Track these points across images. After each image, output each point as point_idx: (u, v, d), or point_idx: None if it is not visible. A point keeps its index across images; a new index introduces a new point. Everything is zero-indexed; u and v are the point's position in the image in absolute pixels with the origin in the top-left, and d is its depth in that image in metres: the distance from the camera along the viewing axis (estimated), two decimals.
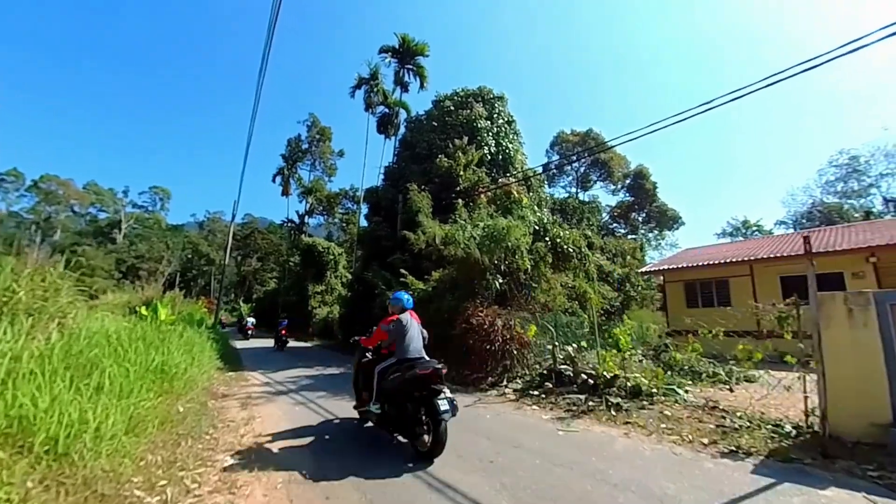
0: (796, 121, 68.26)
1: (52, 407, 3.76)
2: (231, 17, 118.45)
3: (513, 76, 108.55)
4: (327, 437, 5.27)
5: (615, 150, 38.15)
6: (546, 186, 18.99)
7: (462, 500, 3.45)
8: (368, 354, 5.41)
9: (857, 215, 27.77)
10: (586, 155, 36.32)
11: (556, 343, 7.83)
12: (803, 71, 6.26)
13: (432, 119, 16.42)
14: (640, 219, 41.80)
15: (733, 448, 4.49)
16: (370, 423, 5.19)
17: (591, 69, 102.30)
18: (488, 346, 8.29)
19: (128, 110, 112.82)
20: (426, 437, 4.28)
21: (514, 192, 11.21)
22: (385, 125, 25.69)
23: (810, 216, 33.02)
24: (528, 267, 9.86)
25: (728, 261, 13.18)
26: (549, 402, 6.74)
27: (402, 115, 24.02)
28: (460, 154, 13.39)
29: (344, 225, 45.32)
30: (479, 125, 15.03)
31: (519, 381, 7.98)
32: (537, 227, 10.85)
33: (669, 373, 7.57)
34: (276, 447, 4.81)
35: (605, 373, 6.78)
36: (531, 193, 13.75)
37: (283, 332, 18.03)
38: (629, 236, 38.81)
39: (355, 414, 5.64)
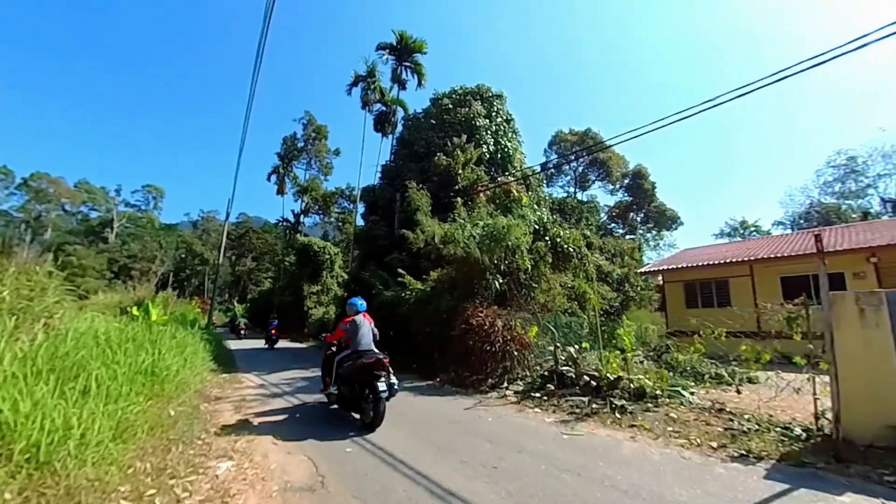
0: (794, 121, 68.80)
1: (34, 412, 3.56)
2: (226, 13, 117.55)
3: (510, 75, 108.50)
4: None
5: (614, 149, 38.20)
6: (545, 186, 18.86)
7: None
8: (333, 349, 6.42)
9: (854, 216, 27.89)
10: (585, 154, 36.31)
11: (558, 344, 7.69)
12: (801, 70, 6.27)
13: (430, 117, 16.25)
14: (638, 219, 41.82)
15: (743, 452, 4.38)
16: (336, 406, 6.13)
17: (590, 68, 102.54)
18: (488, 347, 8.15)
19: (121, 108, 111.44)
20: (370, 412, 5.43)
21: (514, 191, 11.08)
22: (382, 123, 25.48)
23: (808, 217, 33.15)
24: (529, 267, 9.73)
25: (728, 261, 13.13)
26: (552, 405, 6.61)
27: (400, 113, 23.83)
28: (459, 152, 13.23)
29: (340, 224, 45.04)
30: (477, 123, 14.89)
31: (520, 383, 7.84)
32: (537, 227, 10.73)
33: (672, 374, 7.47)
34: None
35: (608, 374, 6.66)
36: (530, 193, 13.63)
37: (274, 331, 19.03)
38: (627, 236, 38.83)
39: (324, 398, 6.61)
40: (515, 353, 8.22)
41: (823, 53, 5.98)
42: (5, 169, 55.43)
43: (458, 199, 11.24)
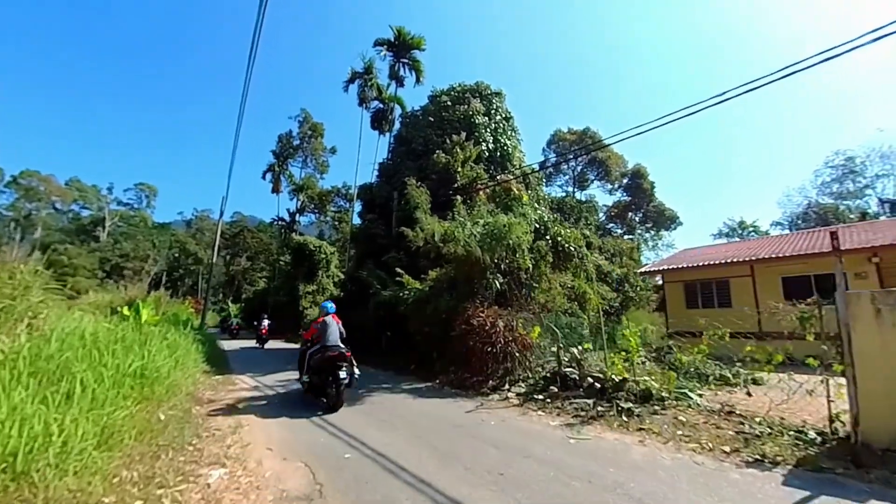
0: (793, 122, 69.21)
1: (11, 418, 3.34)
2: (220, 8, 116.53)
3: (509, 74, 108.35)
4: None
5: (613, 149, 38.12)
6: (543, 185, 18.73)
7: None
8: (308, 344, 7.33)
9: (852, 216, 27.99)
10: (584, 153, 36.21)
11: (561, 345, 7.52)
12: (800, 70, 6.25)
13: (428, 114, 16.05)
14: (637, 219, 41.74)
15: (758, 457, 4.23)
16: (310, 394, 7.07)
17: (589, 67, 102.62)
18: (490, 349, 7.97)
19: (114, 104, 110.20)
20: (333, 396, 6.44)
21: (515, 189, 10.91)
22: (379, 121, 25.21)
23: (806, 217, 33.29)
24: (530, 266, 9.56)
25: (729, 261, 13.04)
26: (556, 407, 6.44)
27: (397, 110, 23.61)
28: (458, 150, 13.04)
29: (336, 223, 44.65)
30: (476, 121, 14.70)
31: (522, 385, 7.66)
32: (538, 225, 10.57)
33: (676, 375, 7.33)
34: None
35: (613, 376, 6.50)
36: (529, 191, 13.46)
37: (264, 331, 19.58)
38: (626, 236, 38.76)
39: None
40: (517, 355, 8.04)
41: (821, 53, 5.99)
42: None
43: (458, 197, 11.05)
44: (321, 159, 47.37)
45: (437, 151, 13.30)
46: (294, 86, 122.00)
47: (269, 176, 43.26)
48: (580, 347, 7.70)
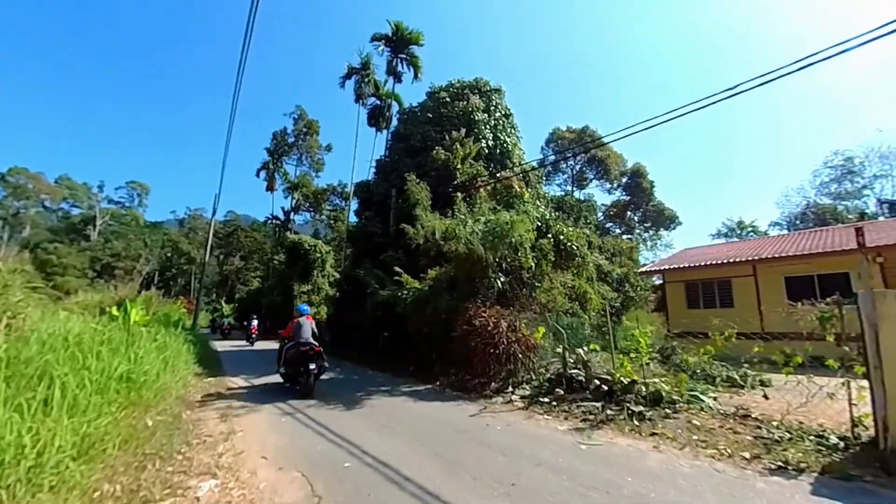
0: (792, 122, 69.50)
1: None
2: (216, 6, 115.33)
3: (507, 73, 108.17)
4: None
5: (612, 148, 38.00)
6: (543, 183, 18.53)
7: None
8: (286, 341, 8.24)
9: (851, 217, 28.02)
10: (583, 151, 36.04)
11: (567, 346, 7.30)
12: (798, 69, 6.29)
13: (427, 111, 15.76)
14: (636, 218, 41.62)
15: (781, 464, 4.02)
16: (288, 384, 8.12)
17: (588, 66, 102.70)
18: (492, 350, 7.72)
19: (105, 101, 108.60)
20: (305, 384, 7.58)
21: (516, 187, 10.68)
22: (376, 118, 24.86)
23: (804, 217, 33.35)
24: (532, 265, 9.34)
25: (731, 261, 12.92)
26: (562, 411, 6.21)
27: (395, 107, 23.24)
28: (458, 146, 12.78)
29: (332, 222, 44.13)
30: (475, 117, 14.44)
31: (526, 387, 7.42)
32: (540, 224, 10.34)
33: (669, 376, 7.14)
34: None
35: (621, 378, 6.29)
36: (530, 189, 13.26)
37: (254, 330, 20.37)
38: (624, 236, 38.63)
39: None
40: (520, 356, 7.81)
41: (820, 52, 6.01)
42: None
43: (458, 194, 10.80)
44: (316, 157, 46.91)
45: (437, 148, 13.03)
46: (289, 83, 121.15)
47: (263, 174, 42.78)
48: (586, 348, 7.48)
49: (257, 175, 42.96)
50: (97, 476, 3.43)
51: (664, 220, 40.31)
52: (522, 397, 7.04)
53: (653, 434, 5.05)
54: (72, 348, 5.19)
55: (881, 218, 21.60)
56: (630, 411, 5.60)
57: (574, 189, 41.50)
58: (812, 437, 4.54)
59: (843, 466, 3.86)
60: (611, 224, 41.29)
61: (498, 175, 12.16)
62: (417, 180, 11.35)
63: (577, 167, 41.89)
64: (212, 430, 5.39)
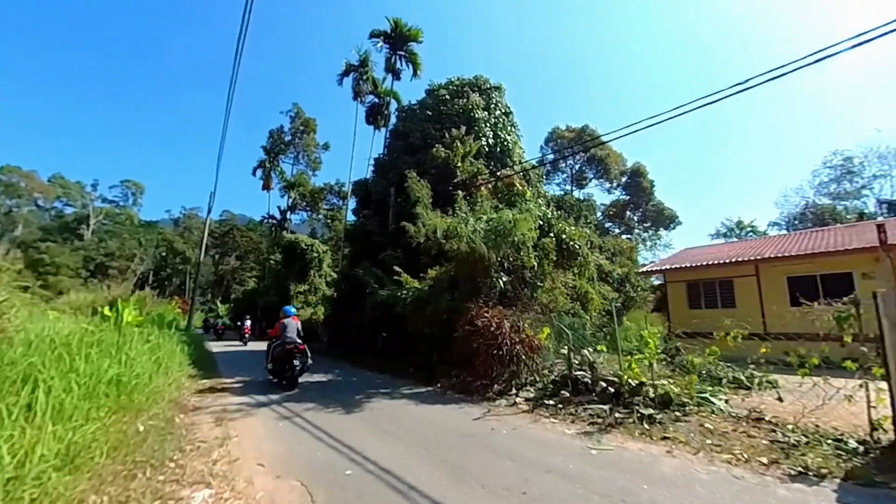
0: (790, 121, 69.67)
1: None
2: (211, 3, 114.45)
3: (506, 71, 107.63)
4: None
5: (612, 147, 37.91)
6: (544, 182, 18.39)
7: None
8: (273, 340, 8.90)
9: (850, 217, 28.03)
10: (582, 150, 35.90)
11: (572, 347, 7.13)
12: (796, 69, 6.30)
13: (426, 108, 15.55)
14: (635, 218, 41.48)
15: (800, 469, 3.87)
16: (275, 379, 8.75)
17: (588, 65, 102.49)
18: (496, 351, 7.54)
19: (100, 99, 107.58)
20: (289, 379, 8.25)
21: (518, 185, 10.50)
22: (375, 115, 24.59)
23: (803, 217, 33.37)
24: (535, 264, 9.17)
25: (733, 260, 12.81)
26: (569, 414, 6.05)
27: (393, 105, 22.95)
28: (458, 144, 12.59)
29: (329, 222, 43.82)
30: (475, 115, 14.26)
31: (530, 389, 7.25)
32: (542, 222, 10.18)
33: (677, 377, 7.00)
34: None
35: (629, 380, 6.13)
36: (531, 188, 13.09)
37: (247, 330, 21.18)
38: (623, 236, 38.52)
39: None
40: (524, 357, 7.64)
41: (818, 52, 6.00)
42: None
43: (459, 192, 10.61)
44: (313, 156, 46.62)
45: (437, 146, 12.83)
46: (286, 81, 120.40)
47: (259, 172, 42.39)
48: (590, 349, 7.32)
49: (253, 174, 42.60)
50: (83, 487, 3.22)
51: (664, 219, 40.19)
52: (527, 400, 6.87)
53: (664, 438, 4.89)
54: (59, 350, 4.96)
55: (880, 218, 21.59)
56: (640, 414, 5.44)
57: (573, 188, 41.35)
58: (830, 441, 4.39)
59: (867, 472, 3.71)
60: (610, 224, 41.14)
61: (499, 173, 11.99)
62: (418, 178, 11.16)
63: (577, 166, 41.74)
64: (206, 434, 5.18)
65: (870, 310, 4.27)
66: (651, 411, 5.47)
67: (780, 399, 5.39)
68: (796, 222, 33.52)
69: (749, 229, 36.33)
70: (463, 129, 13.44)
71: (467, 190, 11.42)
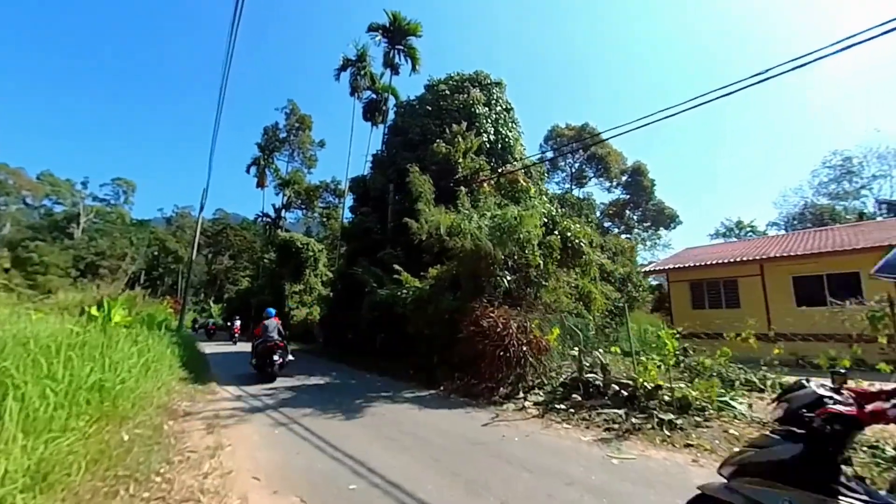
0: (789, 121, 69.93)
1: None
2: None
3: (506, 70, 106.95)
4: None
5: (612, 145, 37.60)
6: (545, 180, 18.11)
7: None
8: (257, 339, 9.81)
9: (849, 217, 27.99)
10: (582, 148, 35.64)
11: (583, 348, 6.84)
12: (795, 69, 6.21)
13: (425, 103, 15.19)
14: (635, 217, 41.25)
15: None
16: (258, 372, 9.59)
17: (588, 64, 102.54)
18: (502, 352, 7.24)
19: (91, 95, 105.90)
20: (269, 373, 9.32)
21: (521, 181, 10.20)
22: (372, 111, 24.16)
23: (802, 217, 33.34)
24: (540, 262, 8.87)
25: (737, 260, 12.62)
26: (582, 419, 5.76)
27: (391, 101, 22.52)
28: (459, 139, 12.27)
29: (325, 220, 43.23)
30: (476, 111, 13.94)
31: (539, 393, 6.95)
32: (546, 220, 9.89)
33: (697, 380, 6.73)
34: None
35: (644, 383, 5.85)
36: (534, 185, 12.79)
37: (236, 330, 21.95)
38: (623, 235, 38.31)
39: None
40: (531, 359, 7.34)
41: (817, 52, 5.90)
42: None
43: (462, 188, 10.29)
44: (309, 153, 45.99)
45: (437, 141, 12.49)
46: (281, 77, 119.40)
47: (253, 170, 41.79)
48: (601, 351, 7.03)
49: (247, 171, 41.99)
50: None
51: (664, 219, 39.94)
52: (536, 404, 6.57)
53: (687, 445, 4.61)
54: (33, 353, 4.56)
55: (880, 218, 21.58)
56: (658, 420, 5.16)
57: (573, 187, 41.02)
58: (865, 449, 4.13)
59: None
60: (610, 223, 40.87)
61: (501, 169, 11.67)
62: (420, 173, 10.81)
63: (577, 165, 41.44)
64: (196, 444, 4.81)
65: None
66: (670, 416, 5.19)
67: None
68: (795, 222, 33.46)
69: (749, 229, 36.24)
70: (464, 124, 13.12)
71: (469, 186, 11.11)
